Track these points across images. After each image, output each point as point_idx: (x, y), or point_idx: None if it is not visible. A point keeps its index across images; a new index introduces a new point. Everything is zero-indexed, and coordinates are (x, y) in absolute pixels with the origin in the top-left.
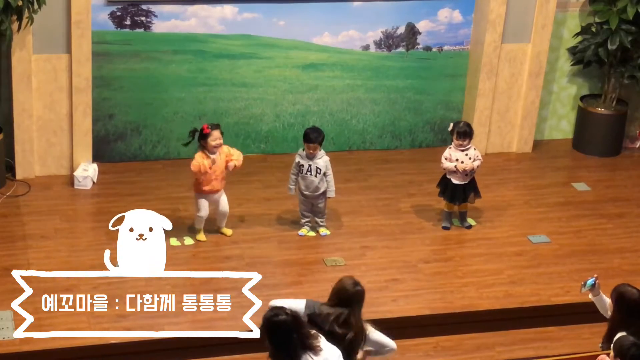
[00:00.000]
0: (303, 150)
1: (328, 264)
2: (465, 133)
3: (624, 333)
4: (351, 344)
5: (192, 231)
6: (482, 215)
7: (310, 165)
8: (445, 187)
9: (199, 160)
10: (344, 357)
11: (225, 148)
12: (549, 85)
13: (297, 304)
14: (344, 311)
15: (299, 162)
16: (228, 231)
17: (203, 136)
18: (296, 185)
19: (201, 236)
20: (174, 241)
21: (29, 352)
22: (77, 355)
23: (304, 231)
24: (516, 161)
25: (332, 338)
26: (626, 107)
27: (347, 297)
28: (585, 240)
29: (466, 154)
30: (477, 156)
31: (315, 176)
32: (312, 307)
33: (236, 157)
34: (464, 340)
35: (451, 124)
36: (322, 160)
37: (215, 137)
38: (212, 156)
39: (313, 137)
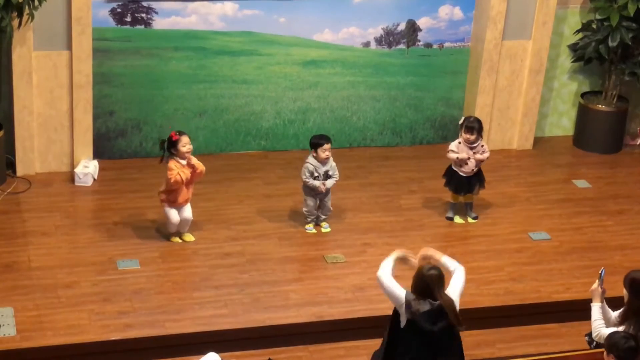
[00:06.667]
0: (313, 157)
1: (329, 261)
2: (472, 128)
3: (614, 329)
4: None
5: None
6: (482, 212)
7: (324, 172)
8: (451, 178)
9: (177, 170)
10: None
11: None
12: (550, 82)
13: (398, 291)
14: (433, 305)
15: (312, 170)
16: (189, 237)
17: (173, 144)
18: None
19: (174, 239)
20: (174, 238)
21: (29, 348)
22: (77, 352)
23: (311, 225)
24: (517, 158)
25: (435, 337)
26: (627, 104)
27: (424, 281)
28: (586, 237)
29: (473, 152)
30: (484, 150)
31: (326, 180)
32: (410, 302)
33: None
34: (465, 337)
35: (462, 118)
36: (329, 161)
37: (184, 142)
38: (183, 162)
39: (325, 140)
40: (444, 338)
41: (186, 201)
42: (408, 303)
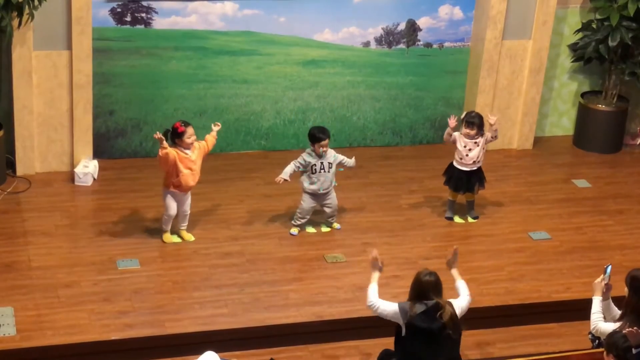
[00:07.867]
0: (312, 150)
1: (329, 261)
2: (473, 123)
3: (611, 324)
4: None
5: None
6: (482, 211)
7: (322, 163)
8: (450, 176)
9: (173, 153)
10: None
11: (196, 144)
12: (550, 82)
13: (391, 307)
14: (428, 304)
15: (309, 162)
16: (189, 237)
17: (178, 135)
18: (292, 176)
19: (168, 238)
20: (175, 238)
21: (29, 348)
22: (77, 352)
23: (296, 230)
24: (517, 158)
25: (434, 335)
26: (627, 104)
27: (421, 287)
28: (586, 237)
29: (475, 142)
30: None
31: (328, 171)
32: (405, 309)
33: (211, 137)
34: (465, 336)
35: (464, 113)
36: (329, 153)
37: (190, 133)
38: (187, 152)
39: (324, 135)
40: (443, 336)
41: (188, 189)
42: (403, 310)
